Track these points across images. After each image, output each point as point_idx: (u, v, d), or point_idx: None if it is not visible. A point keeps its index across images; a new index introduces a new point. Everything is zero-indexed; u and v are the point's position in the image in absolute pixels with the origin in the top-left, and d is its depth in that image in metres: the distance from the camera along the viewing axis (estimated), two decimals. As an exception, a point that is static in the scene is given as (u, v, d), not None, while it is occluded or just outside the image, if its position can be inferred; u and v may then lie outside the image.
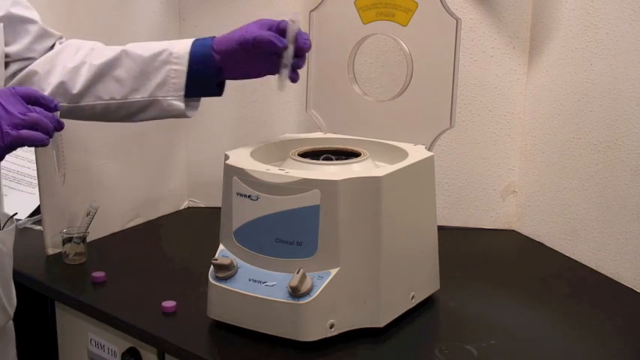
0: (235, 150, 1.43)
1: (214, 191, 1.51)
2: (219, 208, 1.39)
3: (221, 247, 1.38)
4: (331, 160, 1.45)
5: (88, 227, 1.72)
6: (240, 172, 1.33)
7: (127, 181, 1.90)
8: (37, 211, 1.90)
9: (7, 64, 1.42)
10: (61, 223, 1.72)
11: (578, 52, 1.67)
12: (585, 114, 1.66)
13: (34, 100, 1.17)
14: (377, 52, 1.85)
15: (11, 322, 1.46)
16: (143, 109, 1.43)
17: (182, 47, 1.40)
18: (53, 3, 1.67)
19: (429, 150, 1.49)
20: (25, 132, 1.14)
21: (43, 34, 1.46)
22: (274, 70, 1.41)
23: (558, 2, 1.71)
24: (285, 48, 1.38)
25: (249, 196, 1.32)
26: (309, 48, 1.40)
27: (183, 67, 1.39)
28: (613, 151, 1.60)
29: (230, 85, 1.47)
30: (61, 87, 1.42)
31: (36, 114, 1.15)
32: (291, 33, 1.39)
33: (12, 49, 1.42)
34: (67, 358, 1.63)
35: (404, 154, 1.43)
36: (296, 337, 1.29)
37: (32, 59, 1.44)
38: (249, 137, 1.59)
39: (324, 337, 1.29)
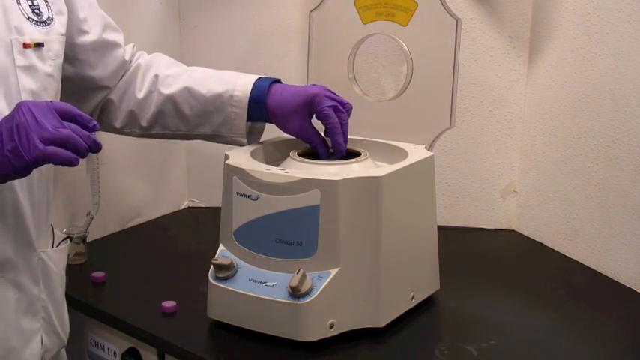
0: (235, 150, 1.43)
1: (214, 191, 1.51)
2: (219, 208, 1.39)
3: (221, 247, 1.38)
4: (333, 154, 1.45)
5: (88, 227, 1.72)
6: (240, 172, 1.33)
7: (127, 181, 1.90)
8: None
9: (91, 91, 1.45)
10: (61, 223, 1.72)
11: (578, 52, 1.67)
12: (585, 114, 1.66)
13: (70, 116, 1.09)
14: (377, 52, 1.84)
15: (64, 350, 1.42)
16: (209, 139, 1.50)
17: (242, 90, 1.44)
18: (53, 3, 1.67)
19: (429, 150, 1.49)
20: (52, 149, 1.06)
21: (124, 59, 1.48)
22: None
23: (558, 2, 1.71)
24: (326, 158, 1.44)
25: (249, 196, 1.32)
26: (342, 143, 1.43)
27: (242, 111, 1.44)
28: (613, 151, 1.60)
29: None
30: (132, 116, 1.48)
31: (68, 130, 1.07)
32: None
33: (96, 73, 1.44)
34: (67, 358, 1.63)
35: (404, 154, 1.43)
36: (296, 337, 1.29)
37: (113, 87, 1.48)
38: (249, 137, 1.59)
39: (324, 337, 1.29)
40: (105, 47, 1.43)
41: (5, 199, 1.18)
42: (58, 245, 1.35)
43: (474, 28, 1.82)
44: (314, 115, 1.43)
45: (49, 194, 1.30)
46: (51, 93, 1.26)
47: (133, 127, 1.50)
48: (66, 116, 1.09)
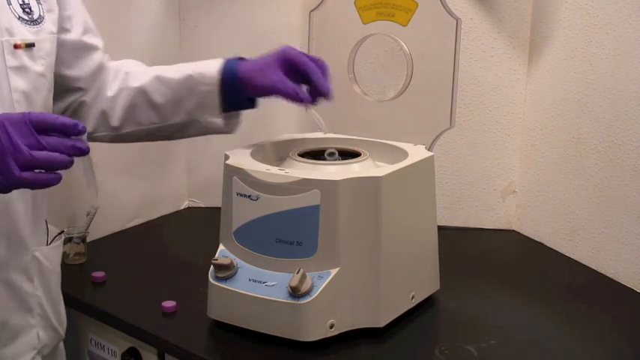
0: (235, 150, 1.43)
1: (214, 191, 1.51)
2: (219, 208, 1.39)
3: (221, 247, 1.38)
4: (335, 155, 1.45)
5: (88, 227, 1.72)
6: (240, 172, 1.33)
7: (127, 181, 1.90)
8: (37, 211, 1.90)
9: (64, 91, 1.40)
10: (61, 223, 1.71)
11: (578, 52, 1.67)
12: (585, 114, 1.66)
13: (50, 127, 1.04)
14: (377, 52, 1.84)
15: (62, 344, 1.42)
16: (184, 128, 1.44)
17: (212, 68, 1.41)
18: (53, 3, 1.67)
19: (429, 150, 1.49)
20: (29, 175, 1.02)
21: (102, 62, 1.44)
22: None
23: (558, 2, 1.71)
24: (311, 102, 1.41)
25: (249, 196, 1.32)
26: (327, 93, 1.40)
27: (215, 88, 1.40)
28: (613, 151, 1.60)
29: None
30: (103, 117, 1.43)
31: (45, 152, 1.02)
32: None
33: (71, 72, 1.39)
34: (67, 358, 1.63)
35: (404, 154, 1.43)
36: (296, 337, 1.29)
37: (87, 90, 1.43)
38: (249, 137, 1.59)
39: (324, 337, 1.29)
40: (83, 49, 1.40)
41: None
42: (51, 242, 1.35)
43: (474, 28, 1.82)
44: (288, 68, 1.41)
45: (44, 193, 1.29)
46: (43, 93, 1.25)
47: (104, 130, 1.44)
48: (45, 128, 1.03)
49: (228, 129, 1.45)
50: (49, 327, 1.33)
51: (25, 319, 1.28)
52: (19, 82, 1.20)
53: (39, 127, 1.03)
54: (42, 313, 1.31)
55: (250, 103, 1.45)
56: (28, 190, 1.21)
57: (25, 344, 1.28)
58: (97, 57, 1.42)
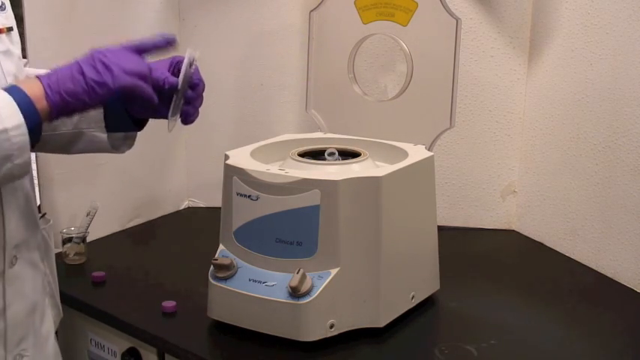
0: (235, 150, 1.43)
1: (214, 191, 1.51)
2: (219, 208, 1.39)
3: (221, 247, 1.38)
4: (335, 155, 1.45)
5: (88, 227, 1.72)
6: (240, 172, 1.33)
7: (127, 181, 1.90)
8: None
9: None
10: (61, 223, 1.72)
11: (578, 52, 1.67)
12: (585, 114, 1.66)
13: (144, 49, 1.16)
14: (377, 52, 1.85)
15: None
16: (72, 141, 1.37)
17: None
18: (53, 3, 1.67)
19: (429, 150, 1.49)
20: (136, 80, 1.11)
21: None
22: (153, 112, 1.27)
23: (558, 2, 1.71)
24: (176, 89, 1.23)
25: (249, 196, 1.32)
26: (197, 88, 1.26)
27: None
28: (613, 151, 1.60)
29: (230, 85, 1.47)
30: None
31: (147, 66, 1.14)
32: (184, 73, 1.22)
33: None
34: (67, 358, 1.63)
35: (404, 154, 1.43)
36: (296, 337, 1.29)
37: None
38: (249, 137, 1.59)
39: (324, 337, 1.29)
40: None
41: (15, 182, 1.19)
42: (41, 219, 1.36)
43: (474, 28, 1.82)
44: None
45: (32, 174, 1.30)
46: (22, 74, 1.26)
47: None
48: (139, 51, 1.14)
49: (114, 146, 1.34)
50: (55, 305, 1.37)
51: (43, 299, 1.31)
52: (9, 66, 1.22)
53: (136, 50, 1.15)
54: (50, 291, 1.35)
55: (130, 123, 1.33)
56: (30, 176, 1.24)
57: (47, 326, 1.32)
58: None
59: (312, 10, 1.63)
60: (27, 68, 1.41)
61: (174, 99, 1.23)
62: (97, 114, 1.34)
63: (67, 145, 1.39)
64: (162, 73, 1.21)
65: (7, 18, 1.26)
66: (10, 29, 1.24)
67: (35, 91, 1.09)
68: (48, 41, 1.64)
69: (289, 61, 1.96)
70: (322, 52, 1.63)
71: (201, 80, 1.25)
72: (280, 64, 1.97)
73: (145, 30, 1.88)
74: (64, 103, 1.10)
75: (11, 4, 1.30)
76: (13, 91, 1.08)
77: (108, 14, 1.80)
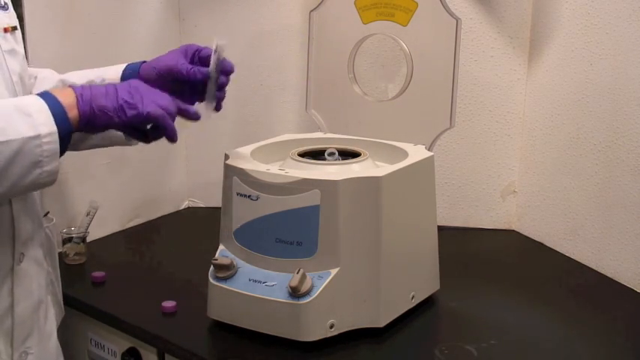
0: (235, 150, 1.43)
1: (214, 191, 1.51)
2: (219, 208, 1.39)
3: (221, 247, 1.38)
4: (335, 155, 1.45)
5: (88, 227, 1.72)
6: (240, 172, 1.33)
7: (127, 181, 1.90)
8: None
9: None
10: (61, 223, 1.72)
11: (578, 52, 1.67)
12: (585, 114, 1.66)
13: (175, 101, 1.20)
14: (377, 52, 1.85)
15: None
16: (84, 137, 1.38)
17: (114, 73, 1.39)
18: (53, 3, 1.67)
19: (429, 150, 1.49)
20: (164, 112, 1.16)
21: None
22: (190, 100, 1.35)
23: (558, 2, 1.71)
24: (204, 79, 1.32)
25: (249, 196, 1.32)
26: (230, 74, 1.35)
27: None
28: (613, 151, 1.60)
29: (230, 85, 1.46)
30: None
31: (176, 108, 1.19)
32: (215, 61, 1.32)
33: None
34: (67, 358, 1.63)
35: (404, 154, 1.43)
36: (296, 337, 1.29)
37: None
38: (249, 137, 1.59)
39: (324, 337, 1.29)
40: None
41: None
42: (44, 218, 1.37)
43: (474, 28, 1.82)
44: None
45: None
46: (27, 74, 1.28)
47: None
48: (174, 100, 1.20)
49: (128, 139, 1.37)
50: (57, 303, 1.38)
51: (46, 296, 1.31)
52: (14, 65, 1.23)
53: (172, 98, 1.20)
54: (52, 289, 1.35)
55: None
56: None
57: (50, 323, 1.32)
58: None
59: (312, 10, 1.63)
60: (30, 68, 1.41)
61: (208, 87, 1.32)
62: None
63: (78, 142, 1.40)
64: (189, 67, 1.31)
65: (10, 17, 1.27)
66: (14, 28, 1.25)
67: (68, 100, 1.11)
68: (48, 41, 1.64)
69: (289, 61, 1.96)
70: (322, 52, 1.63)
71: (231, 66, 1.34)
72: (280, 64, 1.97)
73: (145, 30, 1.89)
74: (93, 116, 1.13)
75: (12, 3, 1.30)
76: (48, 97, 1.10)
77: (108, 14, 1.80)
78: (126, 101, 1.14)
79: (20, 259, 1.22)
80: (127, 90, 1.15)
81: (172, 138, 1.19)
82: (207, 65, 1.33)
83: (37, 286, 1.26)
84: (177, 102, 1.21)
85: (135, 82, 1.18)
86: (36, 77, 1.42)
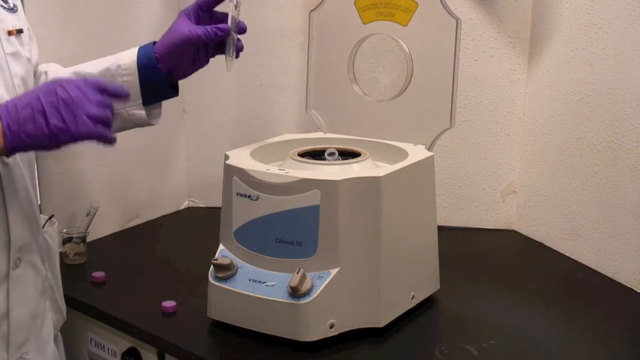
0: (235, 150, 1.43)
1: (214, 191, 1.51)
2: (219, 208, 1.39)
3: (221, 247, 1.38)
4: (335, 154, 1.45)
5: (88, 227, 1.72)
6: (240, 172, 1.33)
7: (127, 181, 1.90)
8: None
9: None
10: (61, 223, 1.71)
11: (578, 52, 1.67)
12: (585, 114, 1.66)
13: (105, 91, 1.13)
14: (377, 52, 1.84)
15: (59, 333, 1.44)
16: None
17: (128, 57, 1.38)
18: (53, 3, 1.67)
19: (429, 150, 1.49)
20: (100, 128, 1.09)
21: (36, 61, 1.41)
22: (207, 58, 1.38)
23: (558, 2, 1.71)
24: (229, 34, 1.35)
25: (249, 196, 1.32)
26: (245, 30, 1.39)
27: (133, 78, 1.36)
28: (613, 151, 1.60)
29: (229, 85, 1.47)
30: None
31: (108, 112, 1.11)
32: (233, 18, 1.36)
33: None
34: (67, 358, 1.63)
35: (404, 154, 1.43)
36: (296, 337, 1.29)
37: None
38: (249, 137, 1.59)
39: (324, 337, 1.29)
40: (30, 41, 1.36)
41: (17, 184, 1.20)
42: (46, 223, 1.37)
43: (474, 28, 1.82)
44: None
45: (34, 179, 1.31)
46: (32, 78, 1.27)
47: None
48: (102, 91, 1.12)
49: (150, 120, 1.40)
50: (57, 309, 1.37)
51: (44, 303, 1.30)
52: (17, 68, 1.22)
53: (98, 89, 1.12)
54: (52, 295, 1.34)
55: (171, 91, 1.40)
56: (33, 172, 1.26)
57: (47, 329, 1.32)
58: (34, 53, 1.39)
59: (312, 10, 1.63)
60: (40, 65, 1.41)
61: (227, 41, 1.35)
62: (134, 91, 1.35)
63: None
64: (206, 30, 1.31)
65: (18, 20, 1.26)
66: (19, 31, 1.24)
67: None
68: (48, 41, 1.64)
69: (289, 61, 1.96)
70: (322, 52, 1.63)
71: (245, 26, 1.37)
72: (280, 64, 1.97)
73: (145, 30, 1.89)
74: (22, 146, 1.08)
75: (12, 4, 1.30)
76: None
77: (108, 14, 1.80)
78: (57, 127, 1.07)
79: (16, 264, 1.21)
80: (54, 106, 1.07)
81: (110, 145, 1.13)
82: (215, 16, 1.37)
83: (33, 291, 1.26)
84: (107, 89, 1.14)
85: (61, 89, 1.08)
86: (46, 72, 1.41)
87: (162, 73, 1.35)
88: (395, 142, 1.51)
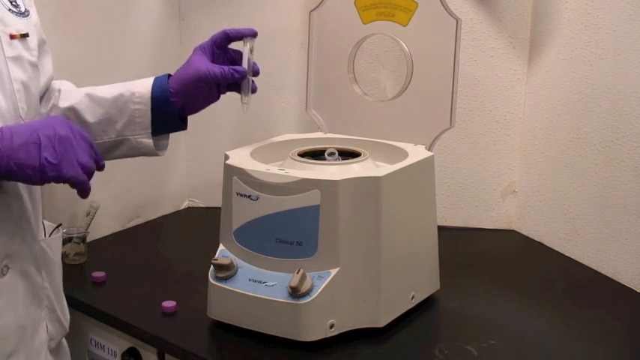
0: (235, 150, 1.43)
1: (214, 191, 1.51)
2: (219, 208, 1.39)
3: (221, 247, 1.38)
4: (335, 154, 1.45)
5: (88, 227, 1.72)
6: (240, 172, 1.33)
7: (127, 181, 1.90)
8: (37, 211, 1.90)
9: None
10: (61, 223, 1.71)
11: (578, 52, 1.67)
12: (585, 114, 1.66)
13: (91, 146, 1.17)
14: (377, 52, 1.85)
15: (64, 340, 1.42)
16: (114, 147, 1.40)
17: (143, 87, 1.38)
18: (52, 4, 1.67)
19: (429, 150, 1.49)
20: (84, 177, 1.13)
21: (52, 75, 1.41)
22: (219, 95, 1.43)
23: (558, 2, 1.71)
24: (245, 76, 1.40)
25: (249, 196, 1.32)
26: (259, 73, 1.44)
27: (146, 107, 1.37)
28: (613, 151, 1.60)
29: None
30: None
31: (94, 166, 1.16)
32: (249, 60, 1.41)
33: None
34: (68, 347, 1.63)
35: (404, 154, 1.43)
36: (296, 337, 1.29)
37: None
38: (249, 137, 1.59)
39: (324, 337, 1.29)
40: (43, 53, 1.37)
41: (8, 191, 1.19)
42: (50, 234, 1.36)
43: (474, 28, 1.82)
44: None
45: (39, 188, 1.31)
46: (36, 84, 1.27)
47: None
48: (91, 146, 1.16)
49: (157, 149, 1.42)
50: (55, 320, 1.35)
51: (37, 313, 1.29)
52: (17, 72, 1.21)
53: (90, 143, 1.16)
54: (49, 305, 1.32)
55: (181, 124, 1.42)
56: (30, 187, 1.24)
57: (40, 340, 1.30)
58: (48, 67, 1.40)
59: (312, 10, 1.63)
60: (54, 81, 1.41)
61: (243, 84, 1.40)
62: (144, 120, 1.38)
63: (108, 152, 1.40)
64: (223, 69, 1.35)
65: (27, 25, 1.26)
66: (24, 36, 1.23)
67: None
68: (48, 41, 1.64)
69: (289, 61, 1.96)
70: (322, 52, 1.63)
71: (258, 68, 1.43)
72: (280, 64, 1.97)
73: (145, 30, 1.89)
74: (9, 174, 1.09)
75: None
76: None
77: (108, 14, 1.80)
78: (48, 161, 1.08)
79: (3, 271, 1.19)
80: (51, 145, 1.09)
81: (85, 195, 1.16)
82: (228, 54, 1.41)
83: (23, 301, 1.24)
84: (95, 149, 1.18)
85: (62, 129, 1.11)
86: (59, 90, 1.40)
87: (174, 107, 1.37)
88: (395, 142, 1.51)
